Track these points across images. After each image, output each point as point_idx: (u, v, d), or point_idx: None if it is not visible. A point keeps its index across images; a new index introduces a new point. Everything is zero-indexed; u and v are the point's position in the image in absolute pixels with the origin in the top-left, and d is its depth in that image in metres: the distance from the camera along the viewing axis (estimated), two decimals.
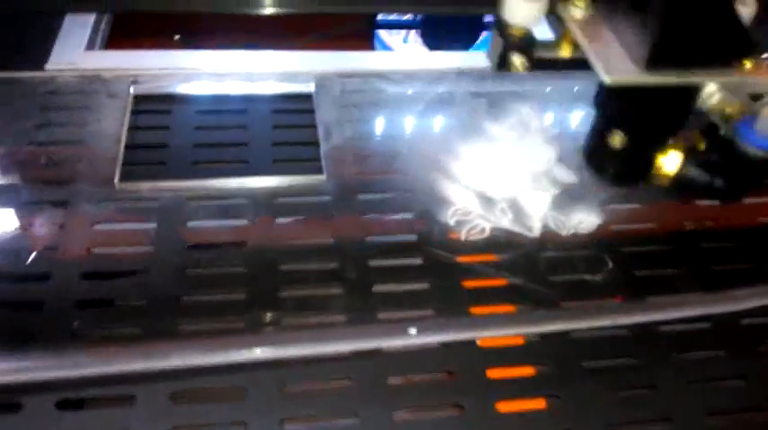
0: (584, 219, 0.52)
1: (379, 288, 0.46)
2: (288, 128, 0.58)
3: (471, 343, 0.44)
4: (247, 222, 0.49)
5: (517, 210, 0.52)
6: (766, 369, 0.44)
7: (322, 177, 0.53)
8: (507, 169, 0.54)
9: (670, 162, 0.41)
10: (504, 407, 0.41)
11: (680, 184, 0.42)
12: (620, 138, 0.41)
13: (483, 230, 0.51)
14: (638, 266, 0.50)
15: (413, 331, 0.43)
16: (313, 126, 0.58)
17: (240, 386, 0.40)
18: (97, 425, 0.39)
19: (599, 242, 0.51)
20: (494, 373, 0.43)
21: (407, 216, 0.52)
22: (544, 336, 0.45)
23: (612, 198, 0.54)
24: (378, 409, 0.40)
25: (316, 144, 0.56)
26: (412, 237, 0.50)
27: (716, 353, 0.46)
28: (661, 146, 0.41)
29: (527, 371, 0.43)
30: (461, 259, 0.49)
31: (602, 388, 0.43)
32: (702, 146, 0.41)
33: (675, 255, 0.51)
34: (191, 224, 0.49)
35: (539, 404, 0.42)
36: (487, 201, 0.53)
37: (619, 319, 0.46)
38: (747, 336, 0.46)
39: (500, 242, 0.50)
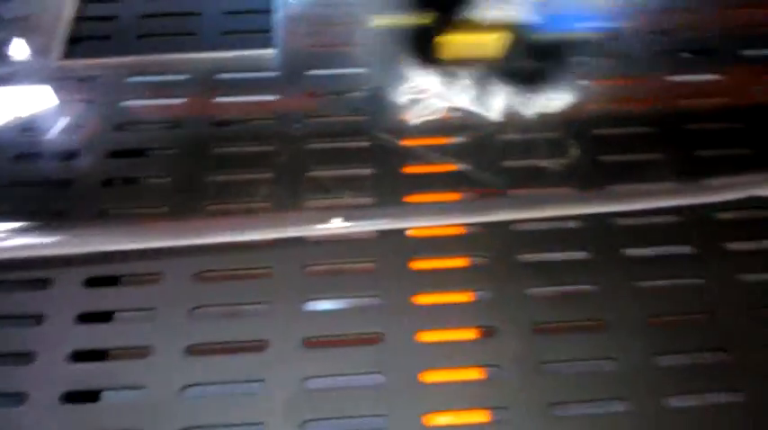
0: (555, 97, 0.47)
1: (313, 173, 0.44)
2: None
3: (399, 232, 0.41)
4: (182, 101, 0.47)
5: (482, 87, 0.47)
6: (729, 269, 0.40)
7: (270, 51, 0.50)
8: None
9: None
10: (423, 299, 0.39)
11: None
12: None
13: (436, 111, 0.47)
14: (605, 151, 0.45)
15: (337, 220, 0.41)
16: None
17: (156, 271, 0.40)
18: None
19: (567, 123, 0.46)
20: (419, 265, 0.40)
21: (358, 94, 0.48)
22: (484, 227, 0.42)
23: (593, 71, 0.48)
24: (293, 296, 0.39)
25: (270, 12, 0.52)
26: (357, 118, 0.46)
27: (680, 248, 0.41)
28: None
29: (458, 262, 0.41)
30: (406, 142, 0.45)
31: (538, 283, 0.40)
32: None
33: (654, 138, 0.46)
34: (123, 103, 0.47)
35: (465, 297, 0.39)
36: (450, 76, 0.48)
37: (569, 209, 0.42)
38: (717, 232, 0.42)
39: (454, 124, 0.46)
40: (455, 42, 0.38)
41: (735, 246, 0.41)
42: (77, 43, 0.51)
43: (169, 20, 0.53)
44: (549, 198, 0.43)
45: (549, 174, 0.44)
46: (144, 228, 0.41)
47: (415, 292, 0.39)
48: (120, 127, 0.46)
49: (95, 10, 0.53)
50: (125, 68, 0.49)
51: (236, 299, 0.39)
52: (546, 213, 0.42)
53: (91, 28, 0.52)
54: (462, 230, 0.42)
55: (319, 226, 0.41)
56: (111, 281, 0.40)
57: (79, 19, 0.52)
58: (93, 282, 0.40)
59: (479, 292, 0.39)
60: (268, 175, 0.44)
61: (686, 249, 0.41)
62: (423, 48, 0.40)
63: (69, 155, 0.45)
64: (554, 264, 0.40)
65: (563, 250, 0.41)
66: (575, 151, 0.45)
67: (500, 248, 0.41)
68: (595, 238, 0.41)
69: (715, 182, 0.43)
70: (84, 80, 0.48)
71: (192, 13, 0.53)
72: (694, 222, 0.42)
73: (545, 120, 0.46)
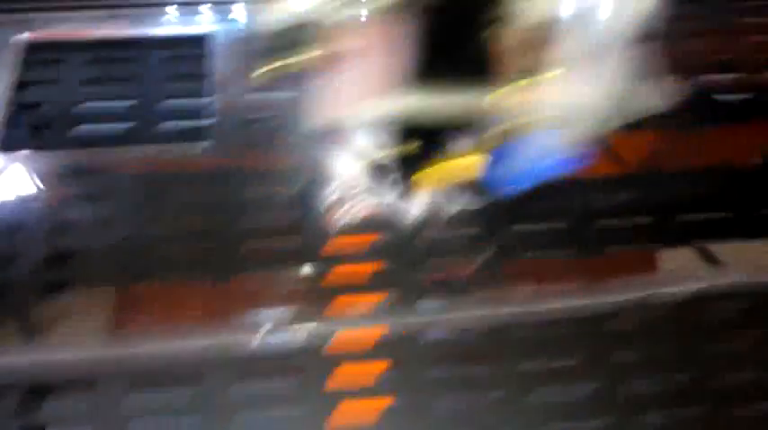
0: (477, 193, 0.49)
1: (243, 280, 0.46)
2: (180, 79, 0.55)
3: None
4: (115, 206, 0.49)
5: (407, 183, 0.49)
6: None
7: (204, 144, 0.51)
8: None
9: None
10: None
11: None
12: None
13: (364, 208, 0.49)
14: (526, 248, 0.48)
15: (262, 331, 0.43)
16: (205, 76, 0.54)
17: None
18: None
19: (489, 219, 0.48)
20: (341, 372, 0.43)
21: (290, 191, 0.49)
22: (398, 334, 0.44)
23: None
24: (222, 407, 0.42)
25: (206, 98, 0.53)
26: (286, 219, 0.48)
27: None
28: None
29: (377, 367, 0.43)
30: (333, 244, 0.47)
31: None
32: None
33: (569, 234, 0.49)
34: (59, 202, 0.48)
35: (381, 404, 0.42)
36: (378, 172, 0.50)
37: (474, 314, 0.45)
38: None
39: (379, 222, 0.48)
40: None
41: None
42: (14, 131, 0.52)
43: (105, 105, 0.53)
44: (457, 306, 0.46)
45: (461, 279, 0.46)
46: (78, 339, 0.43)
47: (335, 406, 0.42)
48: (55, 229, 0.47)
49: (32, 96, 0.54)
50: (61, 162, 0.50)
51: (168, 408, 0.42)
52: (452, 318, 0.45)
53: (27, 116, 0.53)
54: (378, 336, 0.44)
55: (249, 336, 0.43)
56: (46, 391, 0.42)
57: (15, 107, 0.52)
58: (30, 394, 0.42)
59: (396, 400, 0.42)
60: (200, 280, 0.46)
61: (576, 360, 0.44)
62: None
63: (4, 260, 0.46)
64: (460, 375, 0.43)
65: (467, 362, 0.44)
66: (494, 249, 0.47)
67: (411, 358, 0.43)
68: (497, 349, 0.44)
69: (615, 281, 0.46)
70: (19, 173, 0.49)
71: (127, 97, 0.54)
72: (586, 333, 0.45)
73: (466, 218, 0.48)
